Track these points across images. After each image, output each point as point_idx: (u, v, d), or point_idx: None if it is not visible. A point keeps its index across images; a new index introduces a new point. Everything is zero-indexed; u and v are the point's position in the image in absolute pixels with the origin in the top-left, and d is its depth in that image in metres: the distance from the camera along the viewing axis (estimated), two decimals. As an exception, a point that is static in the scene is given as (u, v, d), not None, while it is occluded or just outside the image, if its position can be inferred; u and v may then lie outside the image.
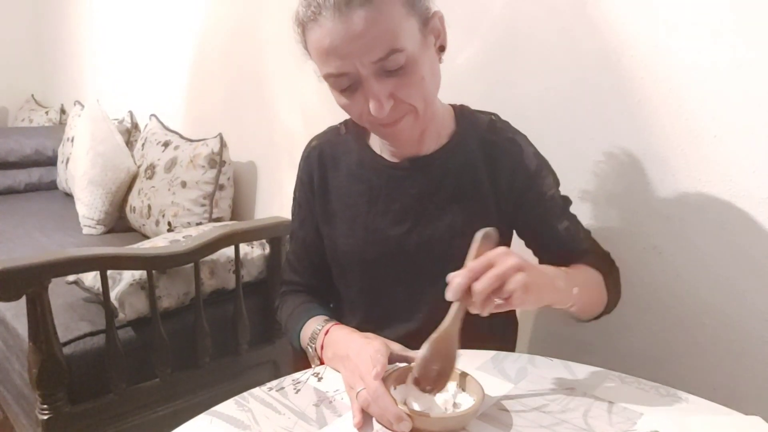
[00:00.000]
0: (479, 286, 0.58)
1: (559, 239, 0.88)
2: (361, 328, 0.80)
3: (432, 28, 0.75)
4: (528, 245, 0.92)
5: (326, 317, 0.87)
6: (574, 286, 0.71)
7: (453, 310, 0.63)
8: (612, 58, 1.01)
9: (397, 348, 0.74)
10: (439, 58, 0.79)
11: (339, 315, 0.92)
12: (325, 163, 0.91)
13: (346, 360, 0.72)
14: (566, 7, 1.06)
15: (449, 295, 0.60)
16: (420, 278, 0.87)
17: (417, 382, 0.64)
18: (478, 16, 1.21)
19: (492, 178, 0.85)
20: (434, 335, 0.63)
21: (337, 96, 0.76)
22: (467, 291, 0.60)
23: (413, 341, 0.75)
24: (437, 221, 0.85)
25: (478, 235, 0.64)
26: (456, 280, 0.60)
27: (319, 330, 0.82)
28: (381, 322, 0.87)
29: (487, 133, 0.86)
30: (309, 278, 0.97)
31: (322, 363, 0.81)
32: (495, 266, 0.59)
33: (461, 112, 0.89)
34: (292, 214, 0.98)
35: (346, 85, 0.73)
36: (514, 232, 0.91)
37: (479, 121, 0.88)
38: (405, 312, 0.88)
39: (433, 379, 0.64)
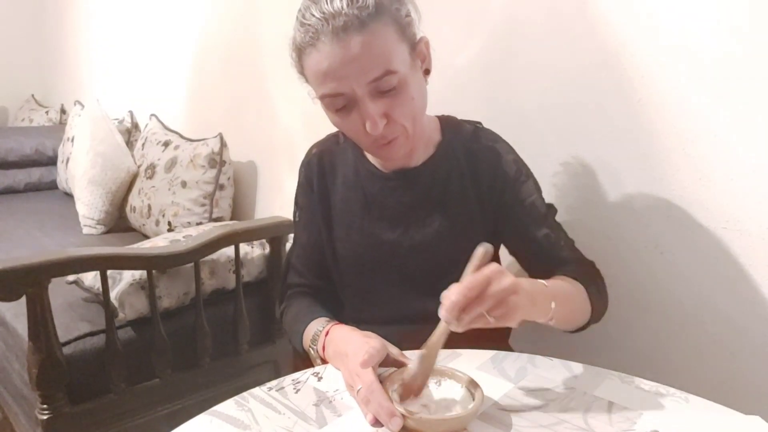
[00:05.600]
0: (477, 309, 0.58)
1: (539, 247, 0.88)
2: (360, 328, 0.81)
3: (419, 53, 0.80)
4: (510, 253, 0.94)
5: (328, 318, 0.88)
6: (552, 300, 0.71)
7: (442, 325, 0.63)
8: (612, 58, 1.01)
9: (395, 352, 0.74)
10: (426, 80, 0.83)
11: (341, 315, 0.94)
12: (324, 170, 0.95)
13: (345, 358, 0.73)
14: (566, 7, 1.06)
15: (443, 314, 0.59)
16: (413, 280, 0.91)
17: (402, 393, 0.66)
18: (478, 16, 1.21)
19: (475, 185, 0.89)
20: (425, 351, 0.65)
21: (332, 116, 0.80)
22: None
23: (407, 341, 0.76)
24: (426, 227, 0.90)
25: (479, 251, 0.63)
26: (452, 299, 0.58)
27: (320, 331, 0.83)
28: (377, 322, 0.88)
29: (470, 142, 0.90)
30: (314, 279, 0.99)
31: (325, 363, 0.81)
32: (491, 286, 0.58)
33: (447, 123, 0.93)
34: (294, 221, 1.00)
35: (341, 104, 0.77)
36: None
37: (463, 131, 0.92)
38: (399, 312, 0.91)
39: (414, 391, 0.66)
